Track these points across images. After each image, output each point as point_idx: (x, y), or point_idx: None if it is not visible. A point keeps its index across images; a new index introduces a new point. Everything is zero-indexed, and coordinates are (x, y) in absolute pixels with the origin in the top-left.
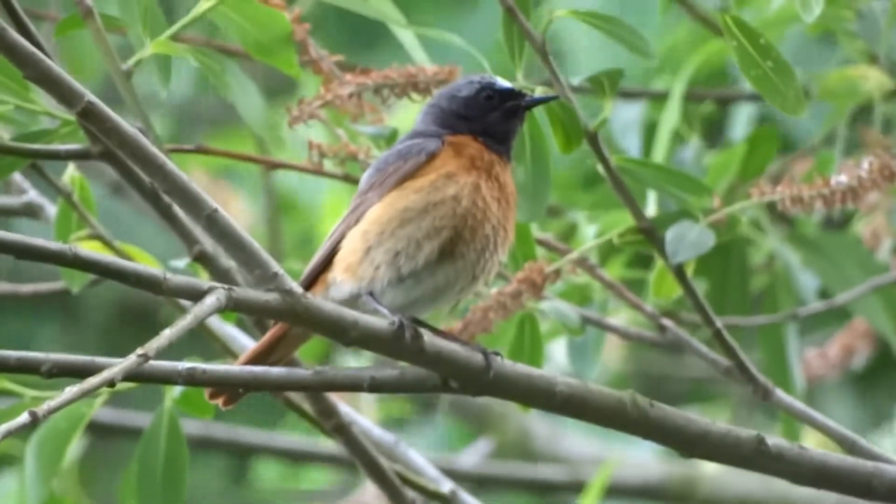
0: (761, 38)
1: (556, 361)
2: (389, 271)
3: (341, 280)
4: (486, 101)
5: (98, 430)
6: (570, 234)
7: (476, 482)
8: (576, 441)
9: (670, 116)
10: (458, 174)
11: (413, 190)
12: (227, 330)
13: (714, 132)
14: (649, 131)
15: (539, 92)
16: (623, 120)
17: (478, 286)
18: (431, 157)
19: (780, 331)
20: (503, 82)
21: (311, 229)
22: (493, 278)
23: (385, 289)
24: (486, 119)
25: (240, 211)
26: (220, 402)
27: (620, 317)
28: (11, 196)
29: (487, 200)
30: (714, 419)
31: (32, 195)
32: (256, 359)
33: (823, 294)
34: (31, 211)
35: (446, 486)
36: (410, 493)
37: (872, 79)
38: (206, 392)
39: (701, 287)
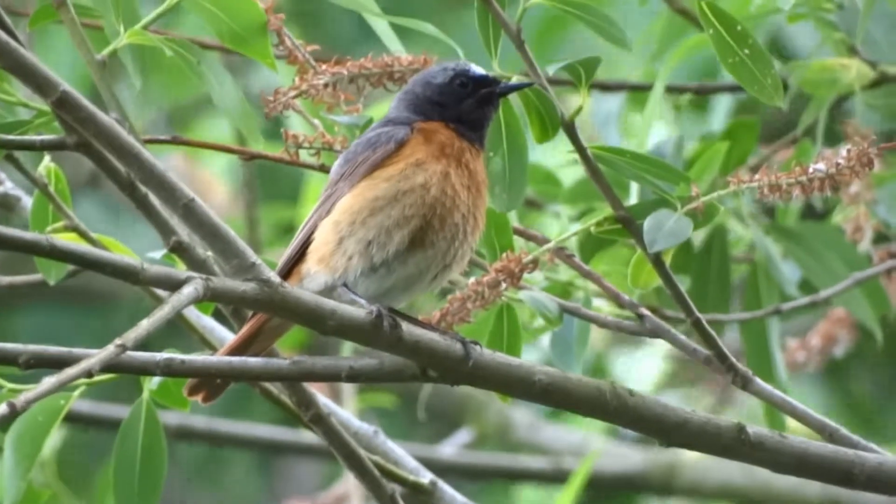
0: (738, 25)
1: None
2: (362, 261)
3: (315, 271)
4: (459, 87)
5: (80, 422)
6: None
7: (457, 473)
8: (557, 431)
9: (653, 107)
10: (428, 162)
11: (383, 179)
12: (205, 321)
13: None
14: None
15: (516, 80)
16: (603, 112)
17: (451, 274)
18: (401, 144)
19: (762, 323)
20: (477, 69)
21: (290, 218)
22: (468, 267)
23: (358, 279)
24: (460, 106)
25: (220, 196)
26: (199, 398)
27: (602, 308)
28: None
29: (457, 188)
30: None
31: (8, 187)
32: (236, 350)
33: (805, 284)
34: (6, 203)
35: (426, 476)
36: (390, 485)
37: (853, 69)
38: (184, 389)
39: (683, 284)
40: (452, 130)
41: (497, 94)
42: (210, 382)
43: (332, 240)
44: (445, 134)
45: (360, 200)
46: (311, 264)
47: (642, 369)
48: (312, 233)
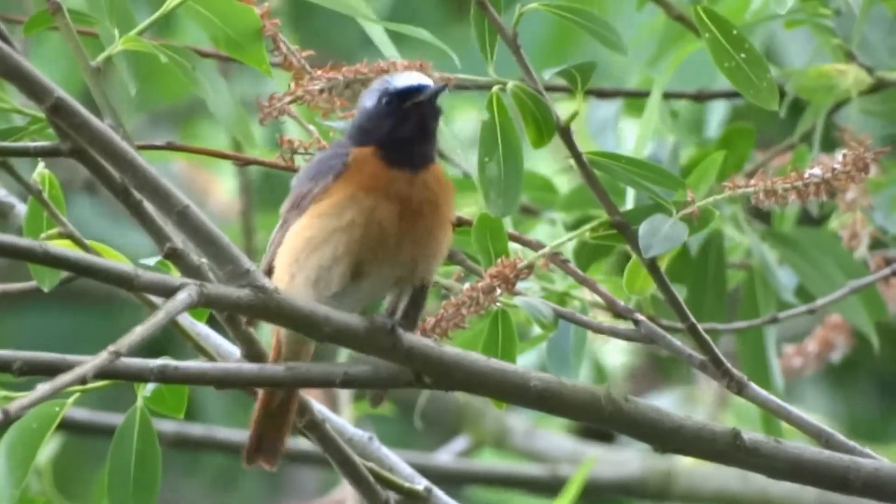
0: (734, 29)
1: None
2: (316, 294)
3: None
4: (386, 107)
5: (77, 430)
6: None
7: (453, 480)
8: (554, 438)
9: (650, 115)
10: (358, 196)
11: (317, 215)
12: (200, 328)
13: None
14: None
15: (510, 87)
16: (599, 119)
17: (420, 271)
18: (337, 177)
19: (758, 330)
20: (399, 82)
21: None
22: (462, 272)
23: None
24: (386, 125)
25: (221, 198)
26: (262, 463)
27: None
28: None
29: (384, 224)
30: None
31: (2, 194)
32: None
33: (801, 290)
34: (0, 210)
35: (421, 483)
36: (385, 492)
37: (850, 75)
38: (243, 459)
39: (680, 293)
40: (381, 158)
41: (424, 102)
42: (265, 444)
43: (287, 273)
44: (373, 164)
45: (300, 239)
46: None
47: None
48: (273, 260)
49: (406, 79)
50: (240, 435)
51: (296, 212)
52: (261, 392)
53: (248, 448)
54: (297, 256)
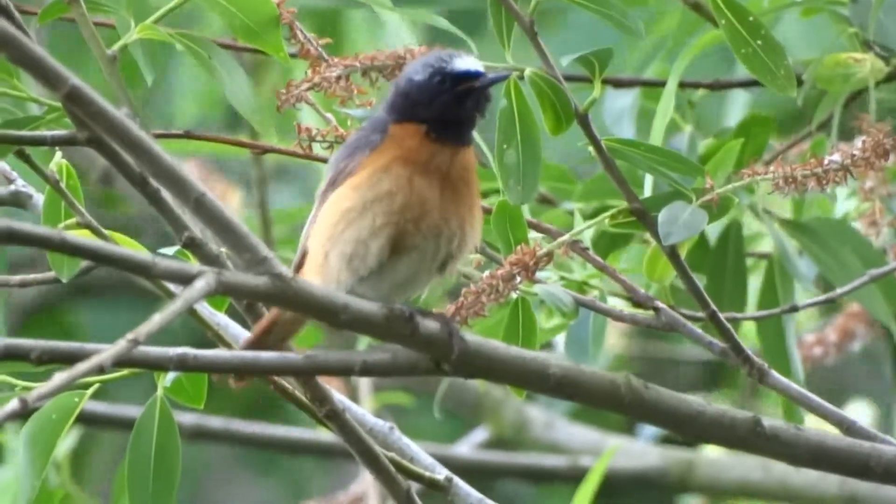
0: (750, 16)
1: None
2: (349, 274)
3: (314, 282)
4: (438, 85)
5: (96, 423)
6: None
7: (472, 471)
8: (574, 429)
9: (666, 104)
10: (393, 167)
11: (352, 188)
12: (219, 318)
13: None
14: (642, 120)
15: (528, 74)
16: (616, 108)
17: (457, 261)
18: (374, 150)
19: (779, 320)
20: (459, 65)
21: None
22: (482, 260)
23: (354, 286)
24: (437, 105)
25: (235, 204)
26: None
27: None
28: None
29: (424, 194)
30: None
31: (20, 184)
32: (254, 345)
33: (820, 279)
34: (18, 201)
35: (442, 473)
36: (406, 482)
37: (867, 64)
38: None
39: (700, 282)
40: (424, 132)
41: (478, 89)
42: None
43: (320, 253)
44: (416, 138)
45: (336, 212)
46: (309, 275)
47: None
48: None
49: (464, 63)
50: (259, 427)
51: (332, 190)
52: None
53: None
54: (331, 231)
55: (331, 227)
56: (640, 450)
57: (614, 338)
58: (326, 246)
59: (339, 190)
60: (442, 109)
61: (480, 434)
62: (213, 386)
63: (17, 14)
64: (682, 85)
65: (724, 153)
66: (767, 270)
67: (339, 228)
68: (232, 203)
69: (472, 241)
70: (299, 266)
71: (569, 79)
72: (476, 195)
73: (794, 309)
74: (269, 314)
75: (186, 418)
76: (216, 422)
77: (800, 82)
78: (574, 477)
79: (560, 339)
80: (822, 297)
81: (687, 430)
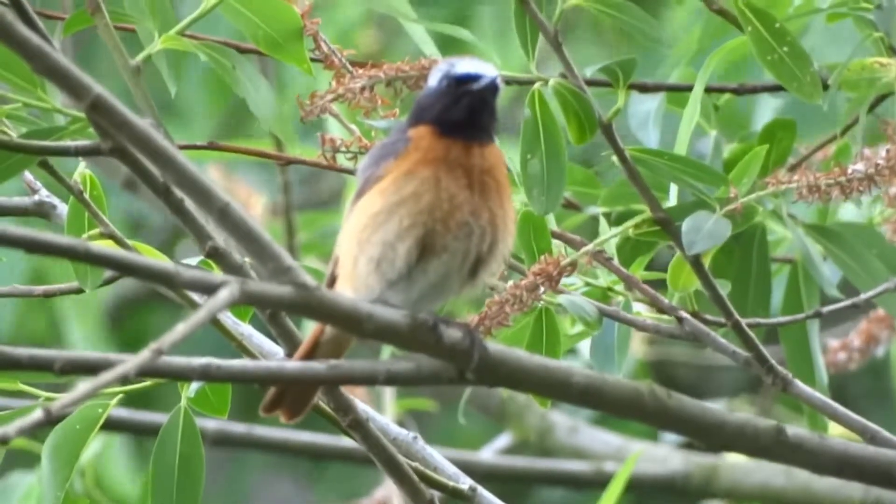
0: (776, 23)
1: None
2: (378, 280)
3: (345, 291)
4: (444, 88)
5: (119, 429)
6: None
7: (496, 477)
8: (598, 434)
9: (692, 110)
10: (416, 169)
11: (379, 192)
12: (243, 328)
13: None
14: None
15: (551, 83)
16: (641, 113)
17: (491, 266)
18: (398, 156)
19: (802, 325)
20: (460, 68)
21: (329, 224)
22: (506, 270)
23: (384, 294)
24: (440, 106)
25: (259, 211)
26: (280, 415)
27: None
28: (23, 196)
29: (452, 190)
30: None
31: (43, 194)
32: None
33: (844, 284)
34: (42, 211)
35: (465, 482)
36: (430, 491)
37: (893, 69)
38: (262, 407)
39: (725, 288)
40: (438, 132)
41: (476, 91)
42: (287, 396)
43: (349, 261)
44: (430, 137)
45: (363, 217)
46: (341, 283)
47: None
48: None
49: (467, 65)
50: (280, 433)
51: (360, 199)
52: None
53: (270, 397)
54: (360, 237)
55: (359, 232)
56: (664, 455)
57: (637, 342)
58: (355, 251)
59: (367, 196)
60: (444, 110)
61: (504, 439)
62: (234, 392)
63: (40, 23)
64: (708, 90)
65: (749, 159)
66: (791, 275)
67: (367, 233)
68: (255, 208)
69: (504, 241)
70: (333, 275)
71: (593, 84)
72: (506, 193)
73: (819, 315)
74: (308, 338)
75: (209, 424)
76: (239, 427)
77: (825, 86)
78: (598, 482)
79: (584, 345)
80: (847, 302)
81: (710, 439)
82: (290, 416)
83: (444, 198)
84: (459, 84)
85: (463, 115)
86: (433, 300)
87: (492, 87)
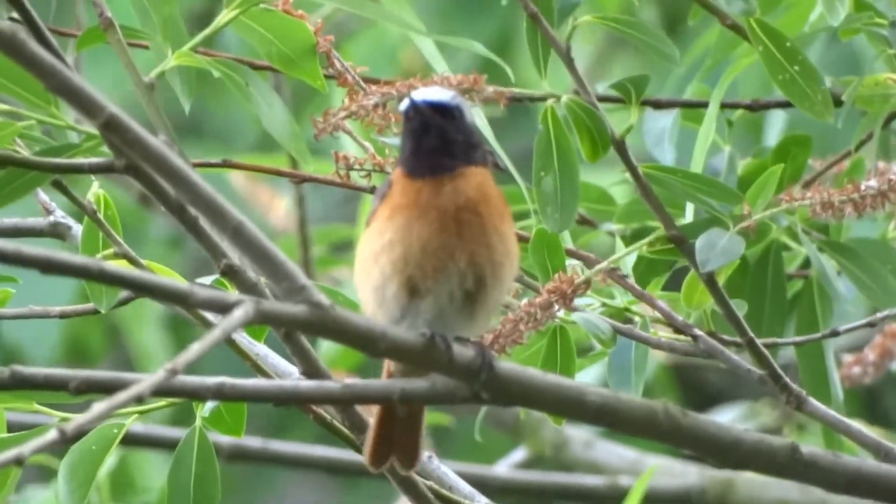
0: (787, 41)
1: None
2: (382, 315)
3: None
4: (402, 122)
5: (134, 443)
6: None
7: (511, 491)
8: (613, 448)
9: (707, 127)
10: (393, 216)
11: (366, 239)
12: (258, 348)
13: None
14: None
15: (564, 100)
16: (656, 129)
17: (490, 290)
18: (383, 199)
19: (818, 342)
20: (406, 100)
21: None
22: (520, 289)
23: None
24: (403, 144)
25: (281, 213)
26: (395, 464)
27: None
28: (37, 217)
29: (425, 236)
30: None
31: (59, 215)
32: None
33: (858, 299)
34: (57, 232)
35: (480, 501)
36: None
37: None
38: (370, 460)
39: (741, 309)
40: (406, 174)
41: (413, 117)
42: (393, 445)
43: (364, 301)
44: (401, 181)
45: (359, 259)
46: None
47: None
48: None
49: (417, 94)
50: (295, 447)
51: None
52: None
53: (374, 450)
54: (358, 277)
55: (357, 272)
56: (680, 469)
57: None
58: (362, 295)
59: (363, 236)
60: (404, 147)
61: (519, 454)
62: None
63: (53, 41)
64: (722, 105)
65: (764, 178)
66: (806, 291)
67: (363, 276)
68: (278, 211)
69: (495, 275)
70: None
71: (606, 100)
72: (491, 223)
73: (835, 334)
74: (375, 420)
75: (225, 440)
76: (254, 442)
77: (839, 102)
78: (613, 497)
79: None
80: (864, 322)
81: (725, 457)
82: (404, 465)
83: (416, 247)
84: (405, 115)
85: (412, 146)
86: (448, 330)
87: (414, 109)
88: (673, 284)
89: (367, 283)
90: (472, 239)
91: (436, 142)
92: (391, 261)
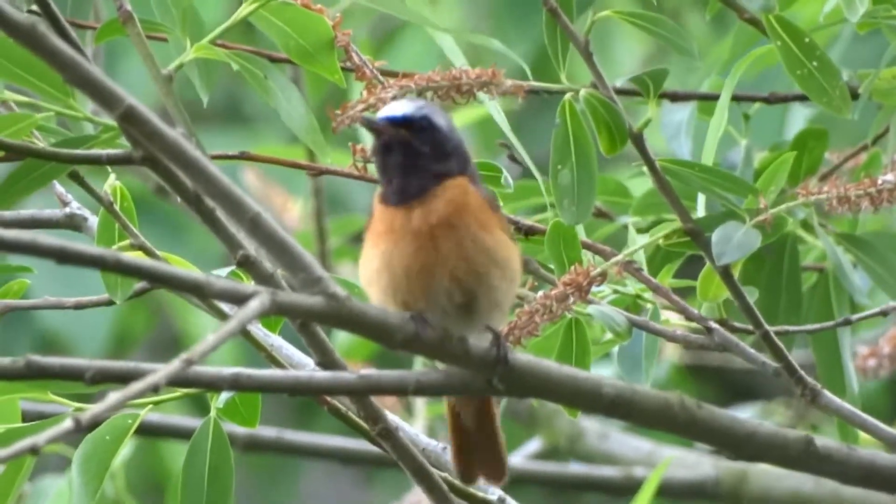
0: (805, 37)
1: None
2: None
3: None
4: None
5: (148, 433)
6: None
7: (526, 482)
8: (628, 440)
9: (719, 119)
10: (376, 243)
11: (362, 260)
12: (273, 340)
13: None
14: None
15: (582, 94)
16: (673, 123)
17: (481, 299)
18: (369, 224)
19: (832, 333)
20: (364, 118)
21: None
22: (536, 281)
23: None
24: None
25: (294, 215)
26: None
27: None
28: (54, 208)
29: (405, 262)
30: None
31: (74, 207)
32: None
33: (873, 292)
34: (74, 223)
35: (494, 493)
36: (459, 502)
37: None
38: (459, 476)
39: (752, 296)
40: (381, 199)
41: (378, 138)
42: (476, 460)
43: None
44: (378, 208)
45: (361, 280)
46: None
47: None
48: None
49: (382, 111)
50: (309, 438)
51: None
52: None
53: (460, 466)
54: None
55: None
56: (694, 460)
57: (671, 347)
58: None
59: (361, 256)
60: (376, 169)
61: (534, 445)
62: (264, 399)
63: (72, 33)
64: (739, 98)
65: (776, 167)
66: (822, 284)
67: (368, 293)
68: (291, 212)
69: (482, 283)
70: None
71: (624, 93)
72: (475, 227)
73: (848, 322)
74: (450, 434)
75: (239, 430)
76: (269, 432)
77: (856, 96)
78: (629, 488)
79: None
80: (876, 310)
81: (740, 449)
82: (492, 479)
83: (400, 273)
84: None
85: (378, 165)
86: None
87: (372, 128)
88: (682, 273)
89: (373, 302)
90: (449, 255)
91: (400, 159)
92: (382, 288)
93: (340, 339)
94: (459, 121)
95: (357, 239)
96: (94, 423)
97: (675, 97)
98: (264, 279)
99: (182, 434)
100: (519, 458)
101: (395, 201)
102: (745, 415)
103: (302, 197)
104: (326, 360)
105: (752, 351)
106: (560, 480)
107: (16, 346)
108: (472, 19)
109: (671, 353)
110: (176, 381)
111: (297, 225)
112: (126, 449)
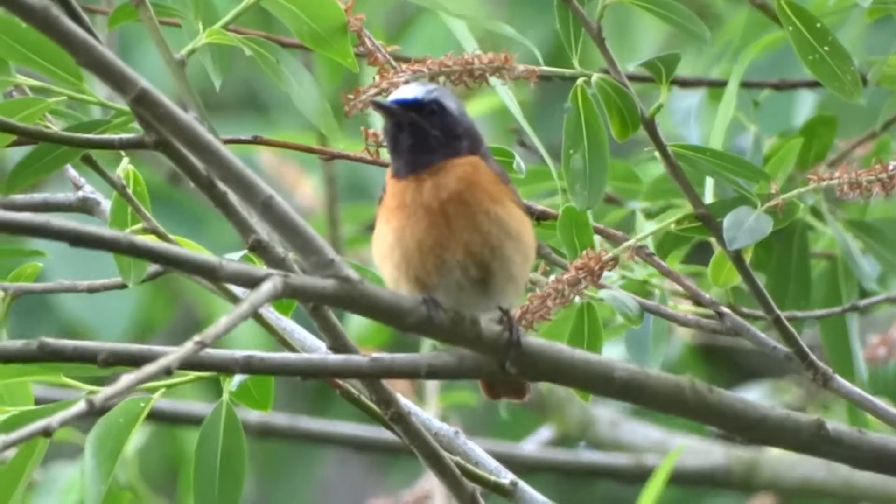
0: (817, 22)
1: None
2: None
3: None
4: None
5: (161, 420)
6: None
7: (537, 469)
8: (639, 428)
9: (727, 105)
10: (389, 219)
11: (375, 237)
12: (285, 323)
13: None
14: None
15: (594, 79)
16: (683, 108)
17: (497, 272)
18: (381, 202)
19: (841, 319)
20: (374, 102)
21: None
22: (548, 266)
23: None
24: (387, 145)
25: (307, 192)
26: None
27: (682, 307)
28: (67, 192)
29: (418, 236)
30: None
31: (88, 191)
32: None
33: (882, 279)
34: (86, 207)
35: (507, 477)
36: (471, 485)
37: None
38: (485, 393)
39: (762, 280)
40: (392, 175)
41: (389, 119)
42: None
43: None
44: (390, 184)
45: (374, 259)
46: None
47: None
48: None
49: (394, 94)
50: (323, 424)
51: None
52: None
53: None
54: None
55: (378, 267)
56: (705, 448)
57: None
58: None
59: (374, 235)
60: (388, 143)
61: (546, 432)
62: (278, 384)
63: (84, 17)
64: (748, 84)
65: (785, 152)
66: (831, 271)
67: (381, 272)
68: (304, 190)
69: (497, 256)
70: None
71: (634, 79)
72: (482, 208)
73: (856, 308)
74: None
75: (252, 416)
76: (282, 419)
77: (865, 82)
78: (639, 475)
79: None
80: (883, 296)
81: (751, 434)
82: (515, 397)
83: (412, 248)
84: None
85: (390, 146)
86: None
87: (384, 111)
88: (687, 260)
89: (386, 278)
90: (463, 229)
91: (411, 139)
92: (395, 264)
93: (353, 327)
94: (474, 110)
95: (370, 228)
96: (107, 407)
97: (685, 83)
98: (276, 263)
99: (198, 421)
100: (531, 445)
101: (405, 172)
102: (756, 394)
103: (315, 175)
104: (338, 343)
105: (764, 336)
106: (571, 468)
107: (36, 334)
108: (490, 6)
109: (682, 334)
110: (188, 364)
111: (310, 203)
112: (142, 436)
